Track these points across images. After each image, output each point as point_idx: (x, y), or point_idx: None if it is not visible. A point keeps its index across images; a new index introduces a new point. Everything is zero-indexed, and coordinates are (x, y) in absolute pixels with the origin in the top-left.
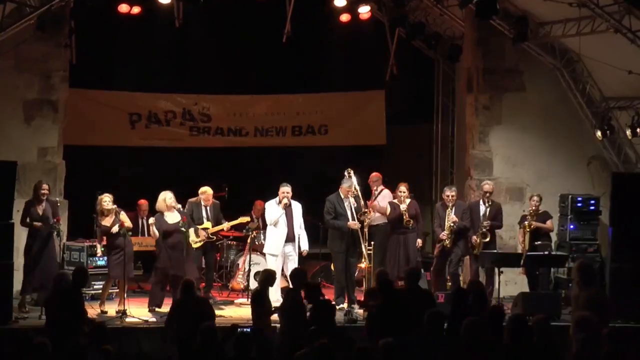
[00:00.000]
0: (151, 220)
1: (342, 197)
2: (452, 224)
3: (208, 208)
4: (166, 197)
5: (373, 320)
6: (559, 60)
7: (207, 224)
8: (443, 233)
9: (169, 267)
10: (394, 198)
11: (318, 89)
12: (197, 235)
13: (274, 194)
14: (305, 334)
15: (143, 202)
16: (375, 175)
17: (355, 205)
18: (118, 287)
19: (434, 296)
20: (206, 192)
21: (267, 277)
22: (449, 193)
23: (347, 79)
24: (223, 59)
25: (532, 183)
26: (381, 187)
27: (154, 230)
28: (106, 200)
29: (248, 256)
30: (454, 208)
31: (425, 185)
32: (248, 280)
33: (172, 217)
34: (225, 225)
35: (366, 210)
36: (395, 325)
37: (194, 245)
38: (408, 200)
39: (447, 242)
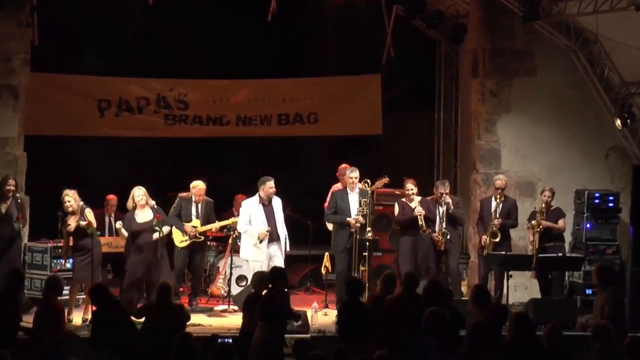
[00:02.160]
0: (118, 224)
1: (348, 190)
2: (443, 231)
3: (199, 205)
4: (134, 194)
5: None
6: (574, 41)
7: (195, 222)
8: (435, 234)
9: (138, 271)
10: (401, 197)
11: (307, 73)
12: (184, 234)
13: (257, 191)
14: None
15: (111, 198)
16: (343, 167)
17: (368, 202)
18: (85, 292)
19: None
20: (198, 186)
21: (261, 280)
22: (443, 190)
23: (339, 61)
24: (202, 40)
25: (544, 177)
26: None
27: (123, 232)
28: (69, 200)
29: (229, 258)
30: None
31: (426, 180)
32: (229, 285)
33: (143, 216)
34: (215, 225)
35: (370, 238)
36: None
37: (180, 245)
38: (418, 198)
39: (441, 242)
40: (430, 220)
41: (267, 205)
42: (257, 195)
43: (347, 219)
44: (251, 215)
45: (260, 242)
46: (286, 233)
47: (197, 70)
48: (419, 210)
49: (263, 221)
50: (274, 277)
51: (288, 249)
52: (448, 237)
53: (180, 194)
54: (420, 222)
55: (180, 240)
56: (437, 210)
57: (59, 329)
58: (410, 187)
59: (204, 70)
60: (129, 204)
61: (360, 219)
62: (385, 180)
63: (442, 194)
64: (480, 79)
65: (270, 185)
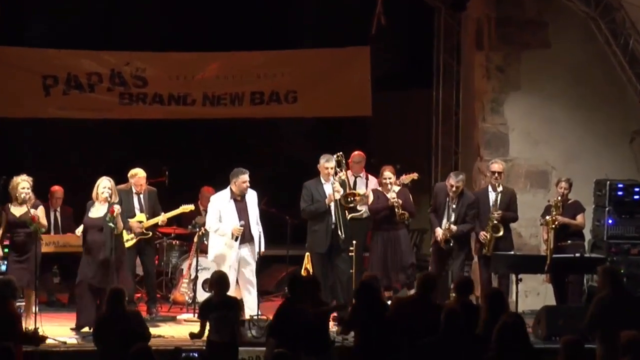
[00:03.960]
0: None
1: (323, 180)
2: (449, 229)
3: (141, 196)
4: (98, 185)
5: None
6: (594, 8)
7: (140, 216)
8: (438, 231)
9: (88, 275)
10: (379, 186)
11: (285, 44)
12: (129, 232)
13: (227, 182)
14: None
15: (57, 189)
16: (358, 154)
17: (342, 192)
18: (25, 298)
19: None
20: (137, 175)
21: (219, 281)
22: (454, 182)
23: (321, 32)
24: (163, 7)
25: (559, 165)
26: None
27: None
28: (24, 187)
29: (194, 259)
30: (459, 202)
31: (422, 168)
32: (195, 291)
33: (97, 210)
34: (162, 217)
35: (355, 192)
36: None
37: (126, 245)
38: (397, 188)
39: (443, 242)
40: (411, 215)
41: (239, 200)
42: (228, 188)
43: (326, 200)
44: (221, 212)
45: (236, 240)
46: (261, 231)
47: (157, 42)
48: (393, 198)
49: (235, 219)
50: (292, 284)
51: (263, 249)
52: (451, 244)
53: (118, 187)
54: (398, 211)
55: (125, 239)
56: (447, 206)
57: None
58: (388, 175)
59: (166, 41)
60: (93, 194)
61: (337, 187)
62: (414, 176)
63: (452, 186)
64: (485, 52)
65: (244, 179)
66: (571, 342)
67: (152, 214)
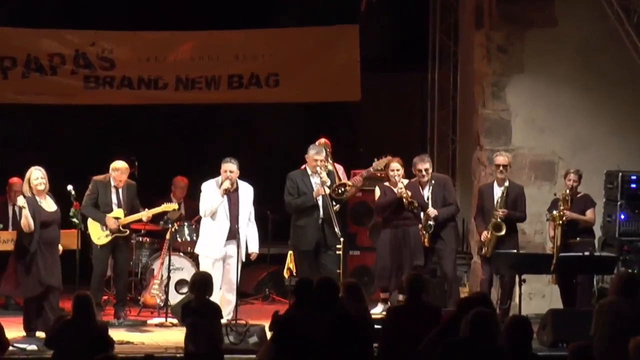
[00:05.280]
0: (21, 201)
1: (309, 171)
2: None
3: (120, 190)
4: (31, 177)
5: None
6: None
7: (117, 212)
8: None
9: (44, 274)
10: (385, 180)
11: (266, 22)
12: (104, 228)
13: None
14: None
15: (16, 182)
16: (324, 142)
17: (329, 183)
18: None
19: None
20: (119, 168)
21: (203, 283)
22: (422, 166)
23: (306, 9)
24: None
25: (566, 156)
26: None
27: (29, 219)
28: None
29: (166, 259)
30: (430, 187)
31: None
32: (167, 293)
33: (47, 205)
34: (144, 214)
35: (345, 182)
36: None
37: (99, 243)
38: (405, 181)
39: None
40: (421, 207)
41: (232, 192)
42: (218, 177)
43: (314, 192)
44: (212, 200)
45: (225, 191)
46: (256, 234)
47: (125, 20)
48: (401, 189)
49: (224, 209)
50: (299, 288)
51: (257, 250)
52: (431, 230)
53: (95, 177)
54: (406, 200)
55: (98, 236)
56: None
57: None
58: (396, 167)
59: (135, 20)
60: (25, 187)
61: (325, 177)
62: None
63: (420, 170)
64: (486, 31)
65: (224, 168)
66: (580, 349)
67: (130, 210)
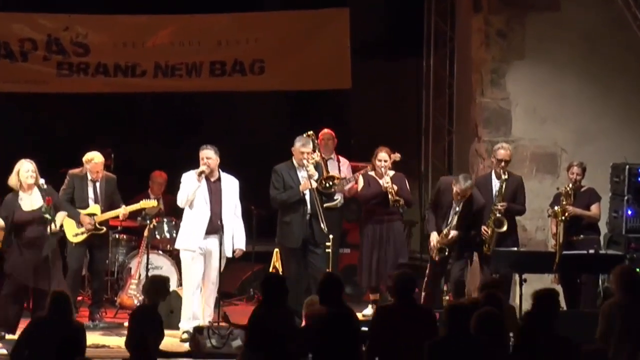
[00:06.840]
0: None
1: (296, 164)
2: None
3: (97, 184)
4: (21, 169)
5: None
6: None
7: (93, 208)
8: (433, 238)
9: (26, 275)
10: (371, 170)
11: (250, 6)
12: (79, 225)
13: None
14: None
15: None
16: (328, 133)
17: (316, 176)
18: None
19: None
20: (94, 159)
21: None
22: (460, 190)
23: None
24: None
25: (570, 147)
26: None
27: None
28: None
29: (144, 257)
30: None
31: (411, 150)
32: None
33: (30, 201)
34: (121, 211)
35: (333, 175)
36: None
37: (74, 240)
38: (391, 173)
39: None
40: (407, 204)
41: (212, 181)
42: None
43: (301, 186)
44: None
45: (200, 175)
46: (242, 229)
47: (101, 3)
48: (388, 183)
49: (204, 198)
50: (267, 286)
51: (243, 247)
52: (446, 253)
53: (71, 171)
54: (391, 197)
55: (74, 233)
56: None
57: None
58: (384, 156)
59: (112, 2)
60: (12, 180)
61: (312, 170)
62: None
63: (457, 193)
64: (484, 15)
65: (202, 155)
66: (593, 352)
67: (109, 205)
